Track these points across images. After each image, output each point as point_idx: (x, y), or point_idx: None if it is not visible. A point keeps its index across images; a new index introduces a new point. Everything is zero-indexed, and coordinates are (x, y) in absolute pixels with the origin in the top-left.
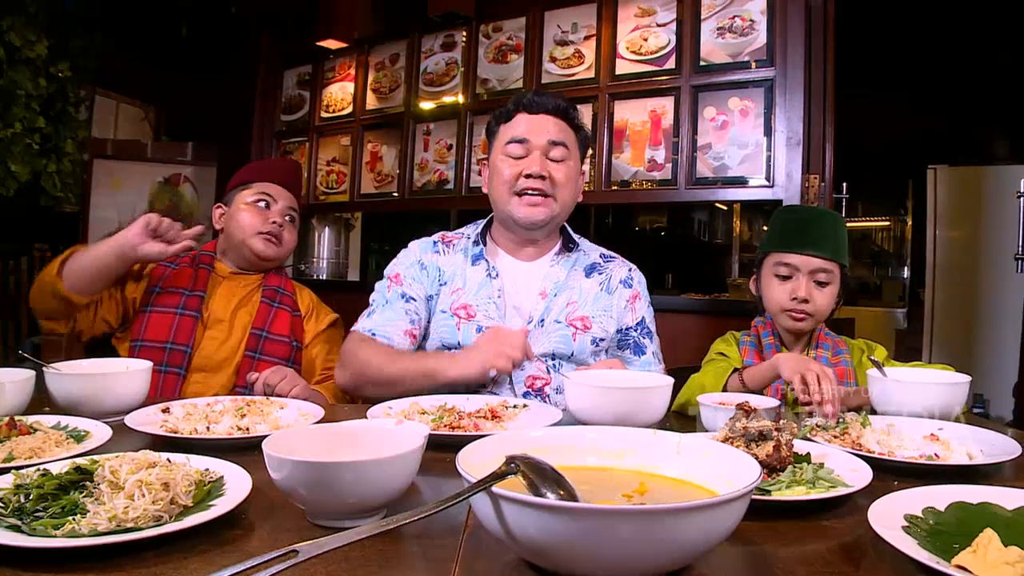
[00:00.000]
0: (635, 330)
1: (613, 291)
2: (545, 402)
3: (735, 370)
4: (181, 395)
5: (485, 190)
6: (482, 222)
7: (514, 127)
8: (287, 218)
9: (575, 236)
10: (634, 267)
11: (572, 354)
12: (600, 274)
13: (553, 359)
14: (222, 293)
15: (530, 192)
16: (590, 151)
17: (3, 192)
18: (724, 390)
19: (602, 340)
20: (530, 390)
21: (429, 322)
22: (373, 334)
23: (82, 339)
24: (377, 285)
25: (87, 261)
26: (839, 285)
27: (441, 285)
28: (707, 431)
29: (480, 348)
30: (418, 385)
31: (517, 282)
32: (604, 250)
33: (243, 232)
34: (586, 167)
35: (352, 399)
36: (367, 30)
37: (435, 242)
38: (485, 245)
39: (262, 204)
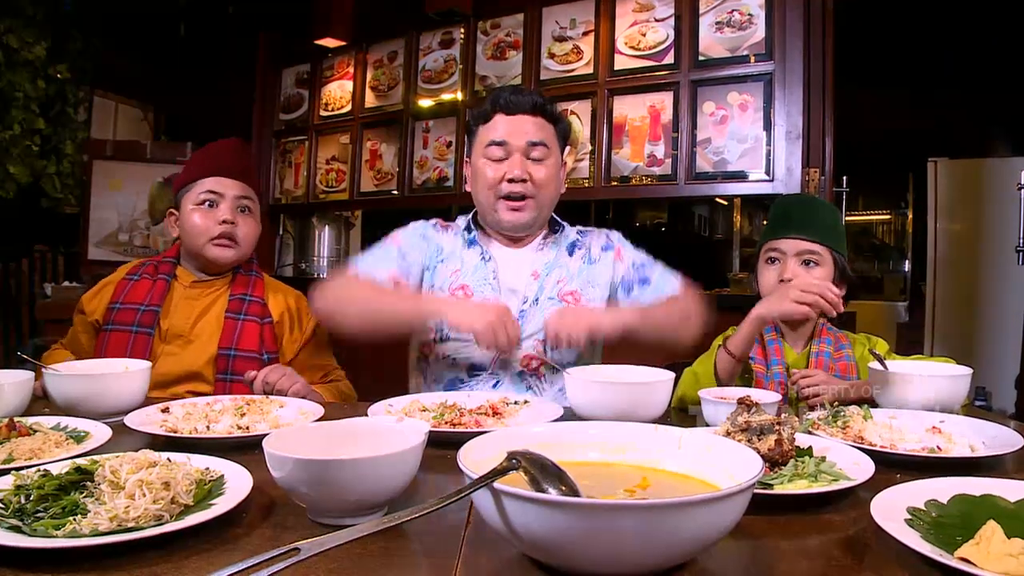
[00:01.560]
0: (631, 272)
1: (596, 260)
2: (541, 381)
3: (720, 346)
4: None
5: (468, 189)
6: (470, 214)
7: (493, 129)
8: (239, 210)
9: (557, 218)
10: (611, 232)
11: None
12: (580, 248)
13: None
14: (182, 304)
15: (513, 196)
16: (589, 147)
17: (3, 194)
18: (716, 371)
19: (591, 302)
20: (525, 370)
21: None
22: (358, 275)
23: None
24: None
25: None
26: (831, 269)
27: (439, 261)
28: (708, 426)
29: (485, 313)
30: (400, 319)
31: (510, 265)
32: (580, 227)
33: (195, 240)
34: (568, 158)
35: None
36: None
37: (434, 223)
38: (478, 231)
39: (207, 205)
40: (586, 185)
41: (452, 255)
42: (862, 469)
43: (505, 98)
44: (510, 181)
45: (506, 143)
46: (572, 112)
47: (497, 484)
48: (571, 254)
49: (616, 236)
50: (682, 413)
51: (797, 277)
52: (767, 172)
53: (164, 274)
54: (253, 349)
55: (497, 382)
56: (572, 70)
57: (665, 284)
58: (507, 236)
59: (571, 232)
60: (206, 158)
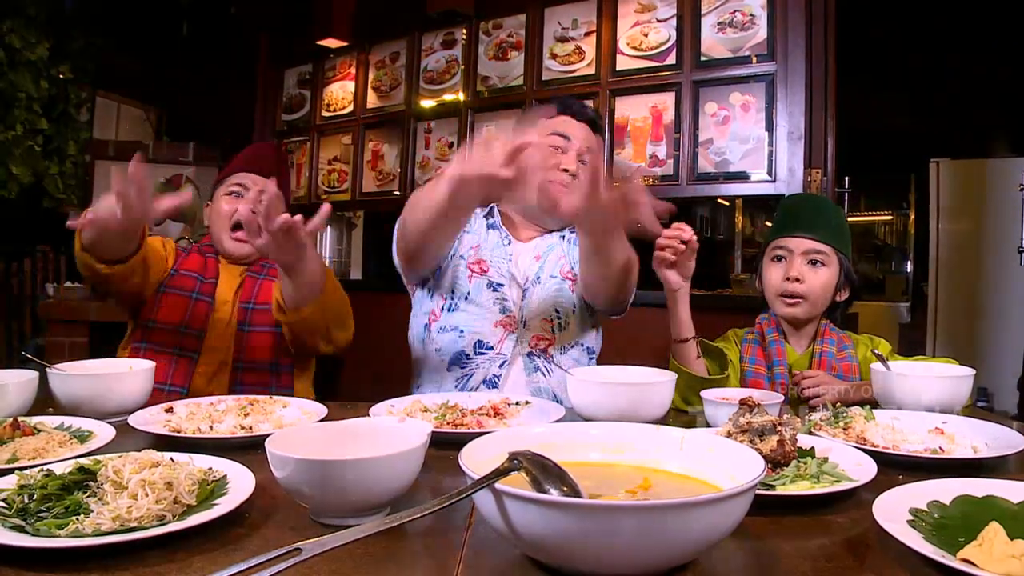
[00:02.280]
0: None
1: (573, 241)
2: (549, 363)
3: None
4: (193, 377)
5: None
6: (491, 205)
7: (558, 124)
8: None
9: None
10: None
11: (574, 307)
12: (563, 237)
13: (557, 315)
14: (225, 277)
15: (561, 181)
16: None
17: (5, 194)
18: (677, 361)
19: None
20: (534, 351)
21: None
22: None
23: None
24: None
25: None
26: (837, 270)
27: (465, 232)
28: (710, 426)
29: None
30: (442, 199)
31: (520, 251)
32: None
33: (216, 226)
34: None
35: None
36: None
37: None
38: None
39: (234, 194)
40: None
41: (475, 232)
42: (864, 470)
43: (575, 105)
44: (564, 171)
45: (570, 139)
46: None
47: (499, 485)
48: (563, 238)
49: None
50: (683, 414)
51: (803, 276)
52: (769, 173)
53: (210, 253)
54: (270, 301)
55: (504, 361)
56: (574, 70)
57: None
58: (523, 226)
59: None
60: (239, 157)
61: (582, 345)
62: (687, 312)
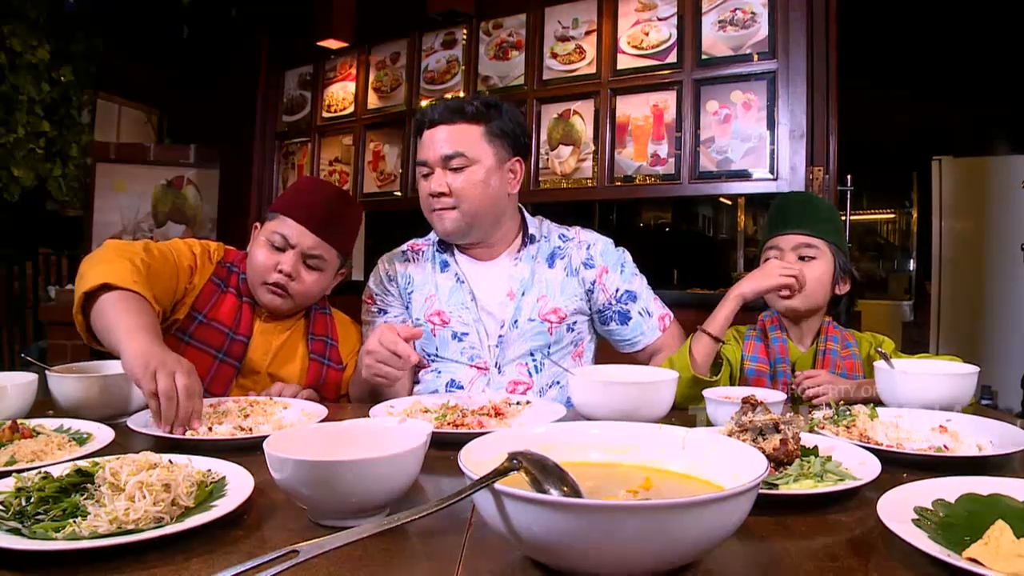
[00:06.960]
0: (612, 304)
1: (576, 273)
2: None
3: (698, 330)
4: None
5: None
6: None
7: (420, 147)
8: (306, 264)
9: (532, 226)
10: (593, 243)
11: (550, 346)
12: (562, 259)
13: (532, 357)
14: (259, 338)
15: (437, 208)
16: (592, 147)
17: (7, 197)
18: (691, 355)
19: (575, 323)
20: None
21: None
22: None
23: None
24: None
25: (101, 328)
26: (831, 262)
27: (410, 293)
28: (712, 425)
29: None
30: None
31: (483, 285)
32: (563, 229)
33: (251, 275)
34: (512, 166)
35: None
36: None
37: (404, 251)
38: (447, 250)
39: (276, 244)
40: (589, 185)
41: (425, 281)
42: (868, 468)
43: (425, 113)
44: (432, 196)
45: (425, 162)
46: (575, 112)
47: (498, 485)
48: (551, 265)
49: (599, 250)
50: (684, 413)
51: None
52: (771, 171)
53: (248, 297)
54: (330, 398)
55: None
56: (575, 70)
57: (644, 323)
58: (470, 248)
59: (552, 236)
60: (299, 198)
61: (559, 384)
62: (731, 316)
